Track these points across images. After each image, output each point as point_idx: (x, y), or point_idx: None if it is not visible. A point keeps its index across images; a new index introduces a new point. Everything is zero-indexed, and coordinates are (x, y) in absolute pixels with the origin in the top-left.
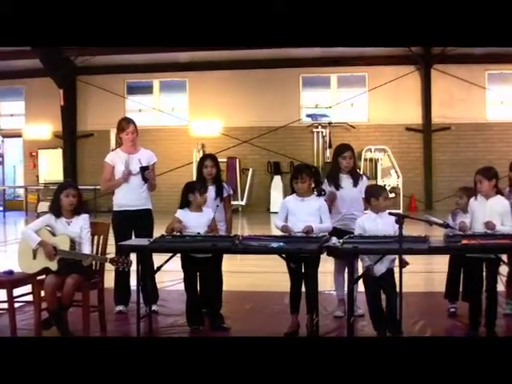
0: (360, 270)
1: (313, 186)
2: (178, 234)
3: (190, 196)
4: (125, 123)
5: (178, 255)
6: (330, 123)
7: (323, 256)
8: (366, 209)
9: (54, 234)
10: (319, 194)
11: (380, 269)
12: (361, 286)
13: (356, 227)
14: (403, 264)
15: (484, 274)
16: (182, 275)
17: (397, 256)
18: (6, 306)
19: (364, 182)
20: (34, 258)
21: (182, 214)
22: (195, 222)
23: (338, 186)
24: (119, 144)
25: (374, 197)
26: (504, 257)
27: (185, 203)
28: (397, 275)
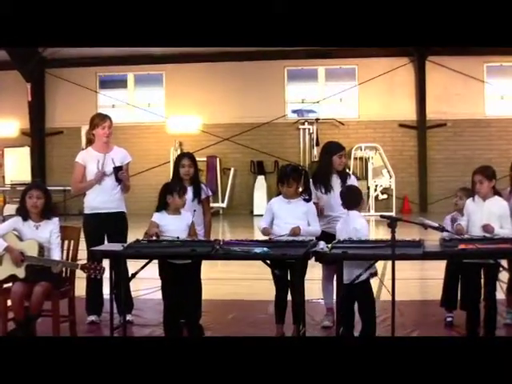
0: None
1: (300, 190)
2: (155, 238)
3: (168, 198)
4: (100, 118)
5: (155, 261)
6: (317, 119)
7: (311, 262)
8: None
9: (21, 239)
10: (306, 199)
11: (349, 277)
12: None
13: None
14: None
15: (482, 280)
16: (158, 283)
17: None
18: None
19: (352, 182)
20: (0, 264)
21: (159, 217)
22: (173, 225)
23: (330, 188)
24: (90, 142)
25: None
26: (504, 262)
27: (162, 205)
28: (389, 282)
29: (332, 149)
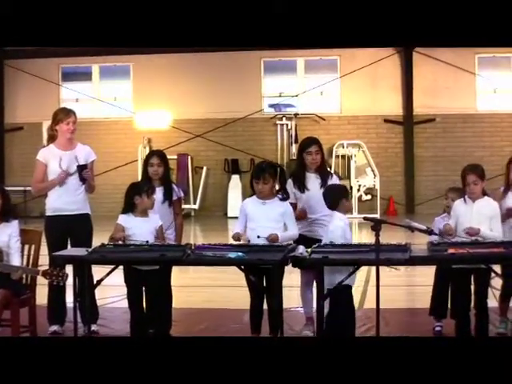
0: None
1: (277, 188)
2: (121, 242)
3: (135, 198)
4: (64, 113)
5: (122, 267)
6: (296, 114)
7: (288, 267)
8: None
9: None
10: (283, 199)
11: (332, 282)
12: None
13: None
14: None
15: (473, 287)
16: (125, 290)
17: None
18: None
19: (334, 181)
20: None
21: (125, 220)
22: (140, 228)
23: (303, 188)
24: (52, 138)
25: (344, 197)
26: (496, 268)
27: (129, 207)
28: (373, 289)
29: (302, 145)
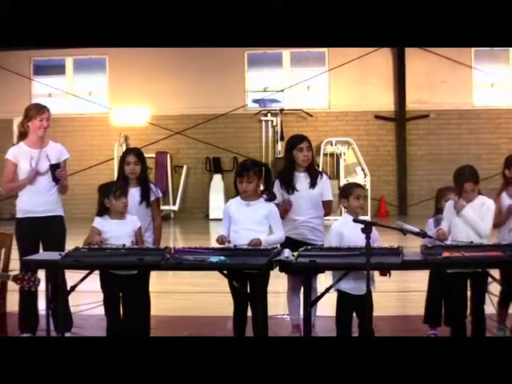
0: (319, 290)
1: (261, 188)
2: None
3: (105, 201)
4: (36, 109)
5: (97, 272)
6: (281, 110)
7: (274, 272)
8: (326, 214)
9: None
10: (269, 199)
11: (356, 287)
12: (320, 309)
13: (331, 234)
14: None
15: (469, 292)
16: (101, 296)
17: (375, 273)
18: None
19: (324, 182)
20: None
21: (101, 223)
22: (117, 231)
23: (292, 188)
24: (23, 136)
25: (344, 197)
26: (494, 272)
27: (103, 209)
28: None
29: (291, 142)
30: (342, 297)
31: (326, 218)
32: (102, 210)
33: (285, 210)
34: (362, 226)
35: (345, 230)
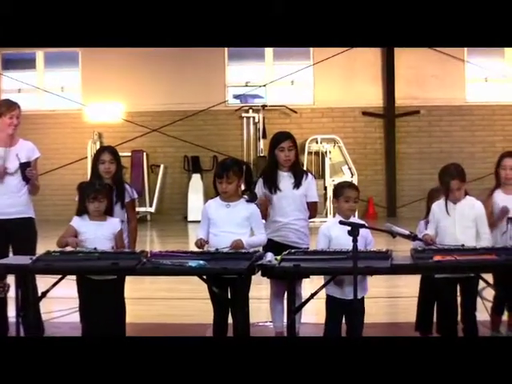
0: (304, 295)
1: (243, 188)
2: (70, 249)
3: (86, 202)
4: (6, 106)
5: (69, 277)
6: (263, 106)
7: (256, 277)
8: (312, 216)
9: None
10: (250, 200)
11: (345, 292)
12: (305, 316)
13: (319, 237)
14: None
15: (459, 298)
16: (74, 303)
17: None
18: None
19: (309, 182)
20: None
21: (79, 223)
22: (94, 233)
23: (275, 188)
24: None
25: (335, 197)
26: (488, 277)
27: (82, 209)
28: None
29: (273, 141)
30: (330, 302)
31: (312, 220)
32: (82, 210)
33: (264, 204)
34: (349, 228)
35: (333, 233)
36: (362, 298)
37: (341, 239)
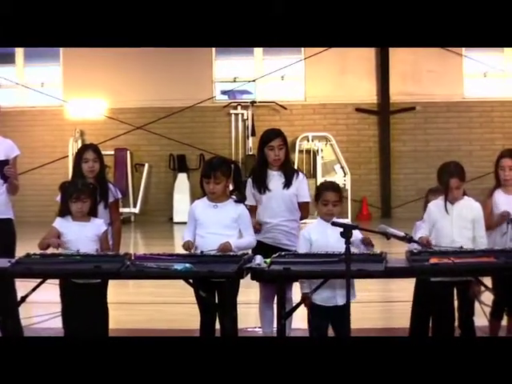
0: (295, 300)
1: (231, 188)
2: (51, 252)
3: (68, 202)
4: None
5: (50, 281)
6: (252, 102)
7: (245, 281)
8: (303, 217)
9: None
10: (238, 201)
11: (326, 297)
12: (295, 322)
13: (299, 240)
14: None
15: (456, 302)
16: (55, 308)
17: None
18: None
19: (301, 181)
20: None
21: (61, 224)
22: (77, 234)
23: (264, 188)
24: None
25: (315, 200)
26: (487, 280)
27: (65, 209)
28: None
29: (262, 139)
30: (313, 309)
31: (303, 221)
32: (65, 211)
33: (255, 229)
34: (342, 229)
35: (313, 236)
36: (347, 303)
37: (321, 243)
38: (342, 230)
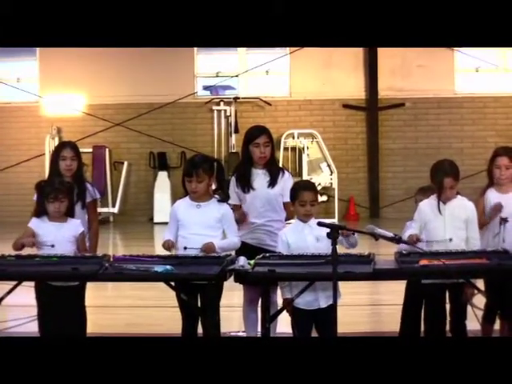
0: (280, 303)
1: (214, 187)
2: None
3: (45, 202)
4: None
5: (26, 283)
6: (236, 98)
7: (228, 283)
8: (288, 218)
9: None
10: (222, 200)
11: (309, 301)
12: (280, 325)
13: (278, 242)
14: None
15: (448, 305)
16: (31, 311)
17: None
18: None
19: (286, 180)
20: None
21: (37, 224)
22: (54, 235)
23: (248, 187)
24: None
25: (291, 200)
26: (479, 283)
27: (41, 209)
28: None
29: (249, 135)
30: (295, 313)
31: (288, 221)
32: (41, 211)
33: (241, 220)
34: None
35: (290, 238)
36: (334, 306)
37: (299, 244)
38: (327, 230)
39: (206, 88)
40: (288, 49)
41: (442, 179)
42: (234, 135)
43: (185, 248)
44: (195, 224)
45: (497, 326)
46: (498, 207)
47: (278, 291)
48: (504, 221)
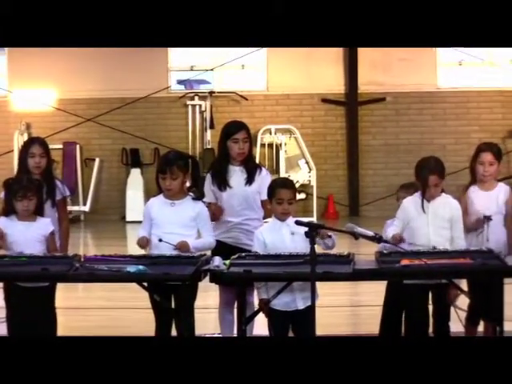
0: (257, 304)
1: (188, 184)
2: None
3: (13, 200)
4: None
5: None
6: (211, 93)
7: (203, 284)
8: (266, 216)
9: None
10: (196, 198)
11: (286, 302)
12: (257, 327)
13: (254, 241)
14: None
15: (431, 307)
16: (1, 312)
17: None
18: None
19: (264, 177)
20: None
21: (5, 223)
22: (23, 235)
23: (224, 185)
24: None
25: (268, 198)
26: (462, 283)
27: (9, 208)
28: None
29: (226, 130)
30: (272, 315)
31: (266, 220)
32: (9, 210)
33: (215, 215)
34: (306, 229)
35: (267, 237)
36: (312, 308)
37: (276, 244)
38: (306, 229)
39: (180, 82)
40: None
41: (427, 177)
42: (209, 131)
43: (160, 240)
44: (169, 223)
45: (480, 327)
46: (480, 222)
47: (255, 292)
48: (488, 219)
